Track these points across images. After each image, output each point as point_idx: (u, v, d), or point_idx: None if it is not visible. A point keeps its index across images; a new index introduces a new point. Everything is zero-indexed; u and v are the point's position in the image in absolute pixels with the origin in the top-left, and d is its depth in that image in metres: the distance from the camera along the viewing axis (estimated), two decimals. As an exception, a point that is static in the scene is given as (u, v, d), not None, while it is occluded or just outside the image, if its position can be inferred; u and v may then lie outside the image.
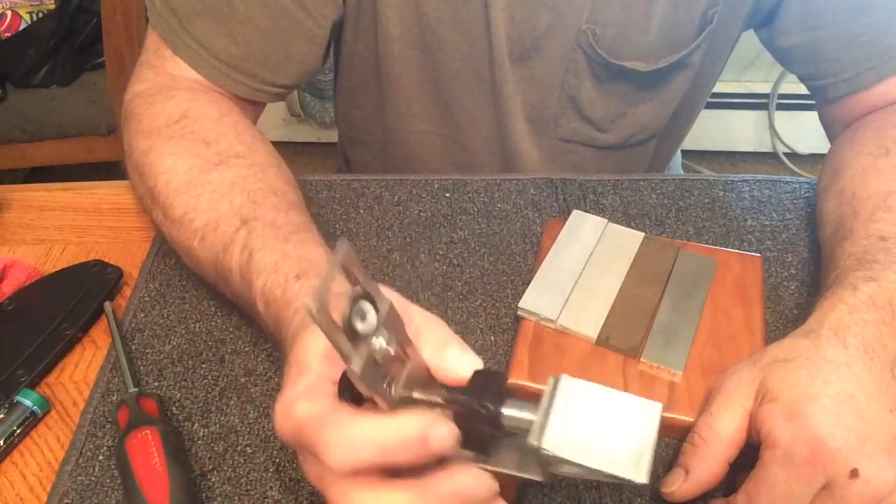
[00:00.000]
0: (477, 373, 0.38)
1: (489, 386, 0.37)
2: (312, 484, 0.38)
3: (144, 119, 0.61)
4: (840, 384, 0.42)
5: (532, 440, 0.35)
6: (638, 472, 0.34)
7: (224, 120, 0.61)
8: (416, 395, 0.38)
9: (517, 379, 0.51)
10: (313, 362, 0.38)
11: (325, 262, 0.36)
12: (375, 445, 0.34)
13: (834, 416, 0.41)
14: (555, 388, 0.37)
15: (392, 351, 0.36)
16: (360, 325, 0.34)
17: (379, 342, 0.36)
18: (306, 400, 0.37)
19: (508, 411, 0.37)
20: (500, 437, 0.38)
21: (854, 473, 0.39)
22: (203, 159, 0.57)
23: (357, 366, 0.34)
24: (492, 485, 0.36)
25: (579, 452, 0.35)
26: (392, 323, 0.36)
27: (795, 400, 0.42)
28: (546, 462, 0.36)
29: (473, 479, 0.36)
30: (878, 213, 0.55)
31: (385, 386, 0.38)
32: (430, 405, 0.38)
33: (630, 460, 0.34)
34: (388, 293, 0.37)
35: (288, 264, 0.48)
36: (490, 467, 0.39)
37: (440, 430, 0.34)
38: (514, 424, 0.37)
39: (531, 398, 0.52)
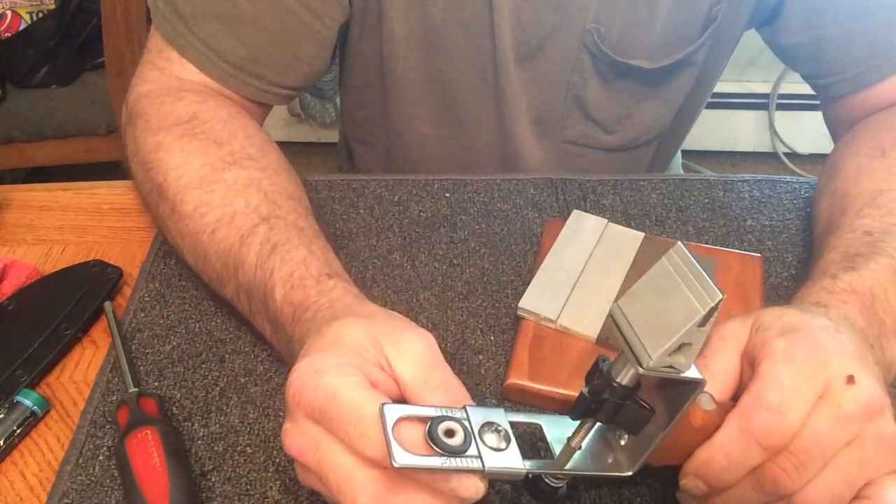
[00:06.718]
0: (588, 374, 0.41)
1: (596, 373, 0.39)
2: (300, 452, 0.38)
3: (153, 118, 0.61)
4: (828, 320, 0.43)
5: (640, 371, 0.36)
6: (711, 296, 0.35)
7: (234, 122, 0.62)
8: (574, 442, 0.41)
9: (517, 379, 0.51)
10: (350, 344, 0.40)
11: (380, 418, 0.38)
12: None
13: (828, 333, 0.41)
14: (614, 320, 0.38)
15: (502, 433, 0.38)
16: (451, 442, 0.36)
17: (489, 438, 0.38)
18: (339, 374, 0.37)
19: (615, 372, 0.38)
20: (638, 408, 0.39)
21: (850, 379, 0.39)
22: (216, 158, 0.57)
23: (476, 464, 0.36)
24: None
25: (667, 334, 0.35)
26: (492, 415, 0.39)
27: (788, 324, 0.42)
28: (661, 376, 0.37)
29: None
30: (866, 210, 0.55)
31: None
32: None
33: (697, 298, 0.36)
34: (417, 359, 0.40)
35: (316, 263, 0.50)
36: (579, 472, 0.42)
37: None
38: (630, 380, 0.38)
39: (532, 399, 0.52)
